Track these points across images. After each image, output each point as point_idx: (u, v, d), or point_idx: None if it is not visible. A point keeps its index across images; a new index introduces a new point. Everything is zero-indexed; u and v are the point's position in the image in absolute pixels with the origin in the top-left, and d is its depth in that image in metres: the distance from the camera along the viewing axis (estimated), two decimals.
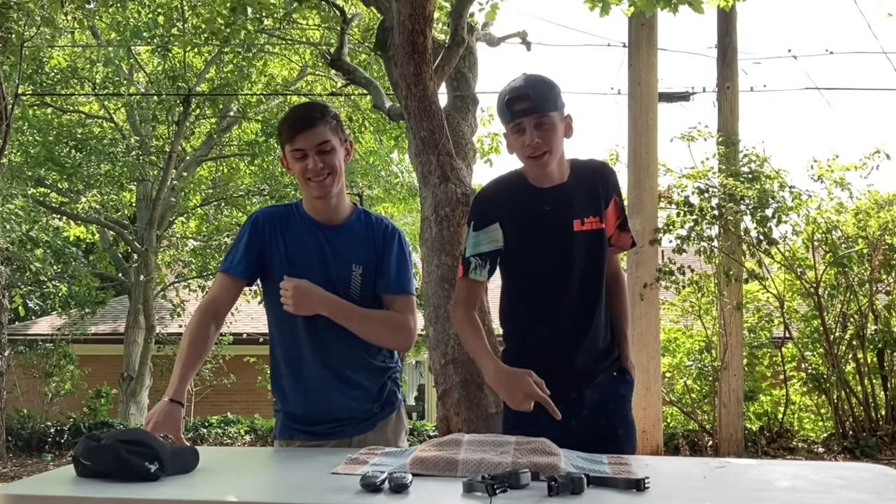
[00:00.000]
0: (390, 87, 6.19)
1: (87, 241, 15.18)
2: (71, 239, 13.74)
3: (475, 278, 2.37)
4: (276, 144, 12.50)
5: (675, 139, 8.40)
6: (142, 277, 12.35)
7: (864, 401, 8.01)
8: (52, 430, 10.01)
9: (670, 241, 7.98)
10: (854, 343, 8.07)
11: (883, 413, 8.02)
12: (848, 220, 8.08)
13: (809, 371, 8.18)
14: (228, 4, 7.47)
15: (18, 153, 12.08)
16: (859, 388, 8.05)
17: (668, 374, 8.78)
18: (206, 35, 9.34)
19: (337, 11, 7.42)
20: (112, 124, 13.72)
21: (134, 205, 14.37)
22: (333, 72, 10.21)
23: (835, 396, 8.07)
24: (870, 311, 8.00)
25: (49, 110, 13.04)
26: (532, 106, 2.22)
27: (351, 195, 11.25)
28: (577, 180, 2.36)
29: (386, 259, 2.40)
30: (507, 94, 2.25)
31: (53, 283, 12.61)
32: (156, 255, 12.75)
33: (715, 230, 8.04)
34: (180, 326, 12.21)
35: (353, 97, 11.66)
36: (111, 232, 14.02)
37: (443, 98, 5.94)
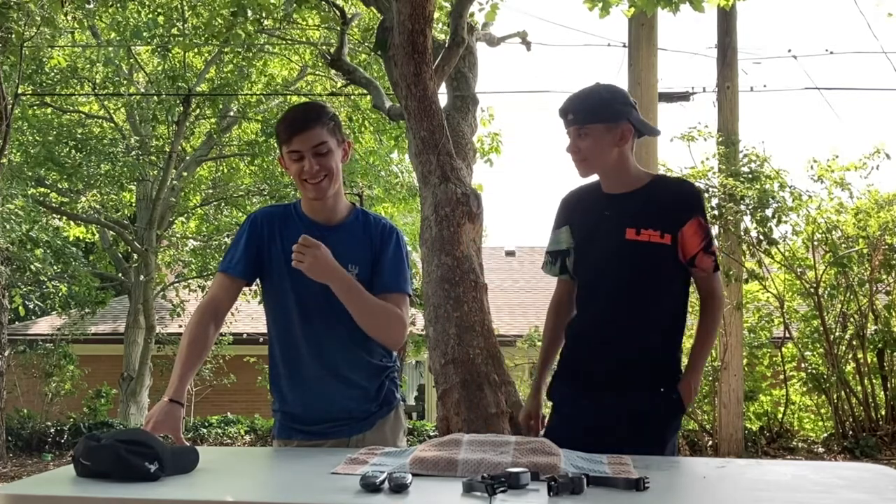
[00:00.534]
0: (390, 87, 6.19)
1: (87, 241, 15.18)
2: (71, 239, 13.74)
3: (547, 273, 2.64)
4: (275, 144, 12.47)
5: (675, 139, 8.40)
6: (142, 277, 12.35)
7: (864, 401, 8.01)
8: (52, 430, 10.01)
9: None
10: (854, 343, 8.07)
11: (883, 413, 8.03)
12: (848, 220, 8.08)
13: (809, 371, 8.18)
14: (229, 7, 7.48)
15: (18, 153, 12.08)
16: (859, 388, 8.05)
17: None
18: (206, 35, 9.35)
19: (337, 11, 7.42)
20: (112, 124, 13.72)
21: (134, 205, 14.37)
22: (333, 72, 10.21)
23: (835, 396, 8.07)
24: (870, 311, 8.00)
25: (49, 110, 13.04)
26: (572, 118, 2.40)
27: (351, 195, 11.24)
28: (651, 194, 2.42)
29: (383, 258, 2.40)
30: (561, 105, 2.45)
31: (53, 283, 12.60)
32: (156, 255, 12.75)
33: (715, 230, 8.04)
34: (180, 326, 12.20)
35: (353, 97, 11.66)
36: (111, 232, 14.02)
37: (443, 98, 5.95)
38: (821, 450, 7.92)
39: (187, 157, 13.50)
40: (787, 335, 8.38)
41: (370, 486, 1.66)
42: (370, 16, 8.54)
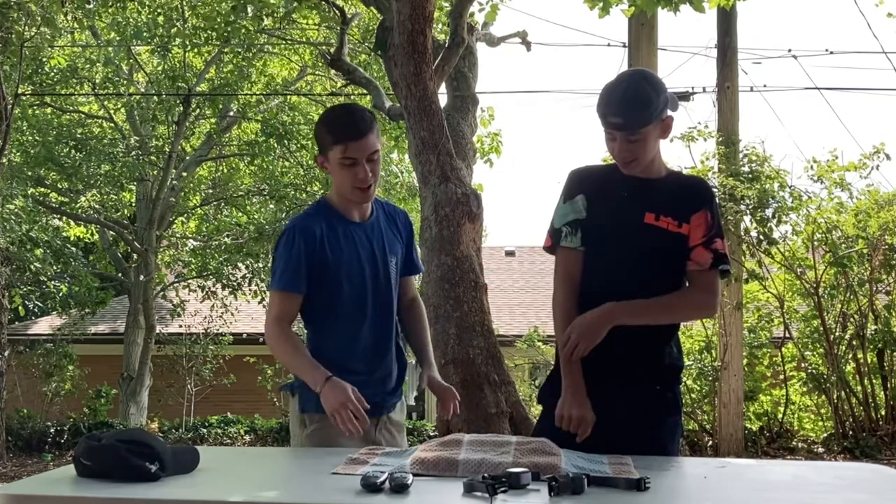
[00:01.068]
0: (390, 87, 6.20)
1: (87, 241, 15.18)
2: (71, 239, 13.74)
3: (567, 245, 2.39)
4: (275, 144, 12.50)
5: (675, 139, 8.38)
6: (142, 277, 12.35)
7: (864, 401, 8.02)
8: (52, 430, 10.00)
9: None
10: (854, 343, 8.07)
11: (883, 413, 8.03)
12: (848, 220, 8.08)
13: (809, 371, 8.18)
14: (229, 2, 7.48)
15: (18, 153, 12.09)
16: (859, 388, 8.05)
17: None
18: (206, 35, 9.35)
19: (337, 11, 7.43)
20: (112, 124, 13.73)
21: (134, 205, 14.37)
22: (333, 72, 10.22)
23: (835, 396, 8.07)
24: (870, 311, 8.00)
25: (49, 110, 13.04)
26: (624, 124, 2.29)
27: None
28: (668, 183, 2.41)
29: (410, 244, 2.61)
30: (604, 107, 2.31)
31: (53, 283, 12.60)
32: (156, 255, 12.75)
33: None
34: (180, 326, 12.20)
35: (353, 97, 11.67)
36: (111, 232, 14.02)
37: (443, 98, 5.95)
38: (821, 450, 7.92)
39: (187, 157, 13.50)
40: (787, 335, 8.38)
41: (371, 487, 1.66)
42: (370, 16, 8.55)
